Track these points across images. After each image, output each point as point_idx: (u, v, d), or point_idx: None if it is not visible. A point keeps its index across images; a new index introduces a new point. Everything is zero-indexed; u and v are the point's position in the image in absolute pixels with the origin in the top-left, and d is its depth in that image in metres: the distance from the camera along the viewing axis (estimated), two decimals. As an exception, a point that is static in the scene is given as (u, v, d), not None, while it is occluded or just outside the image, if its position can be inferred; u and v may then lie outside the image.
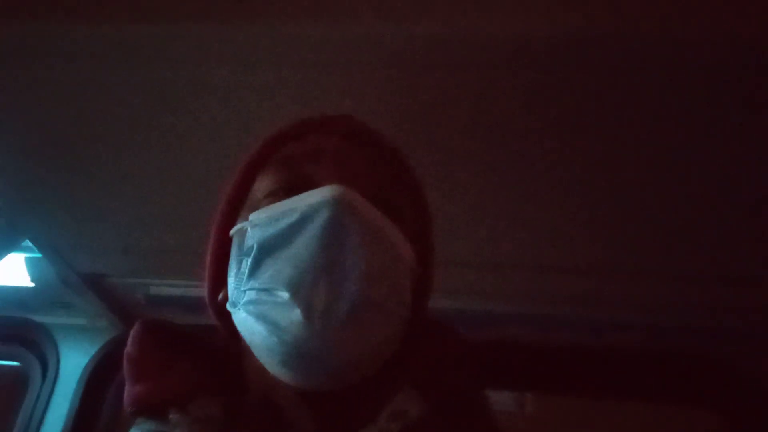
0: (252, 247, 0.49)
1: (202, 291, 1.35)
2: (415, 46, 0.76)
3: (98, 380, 1.49)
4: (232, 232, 0.54)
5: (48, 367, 1.52)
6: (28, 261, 1.32)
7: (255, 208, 0.53)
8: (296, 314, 0.44)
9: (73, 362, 1.51)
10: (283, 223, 0.48)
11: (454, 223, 1.04)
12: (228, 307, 0.52)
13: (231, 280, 0.52)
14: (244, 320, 0.49)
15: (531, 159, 0.92)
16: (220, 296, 0.55)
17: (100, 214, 1.14)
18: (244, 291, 0.49)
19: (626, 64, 0.76)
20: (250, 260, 0.49)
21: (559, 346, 1.38)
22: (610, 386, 1.43)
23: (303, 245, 0.46)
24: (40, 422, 1.44)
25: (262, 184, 0.55)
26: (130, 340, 0.58)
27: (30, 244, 1.23)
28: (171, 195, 1.06)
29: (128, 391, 0.54)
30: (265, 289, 0.47)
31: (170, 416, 0.50)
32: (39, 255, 1.27)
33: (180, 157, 0.98)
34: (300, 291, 0.44)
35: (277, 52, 0.79)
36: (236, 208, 0.57)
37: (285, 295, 0.45)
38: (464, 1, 0.71)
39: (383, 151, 0.59)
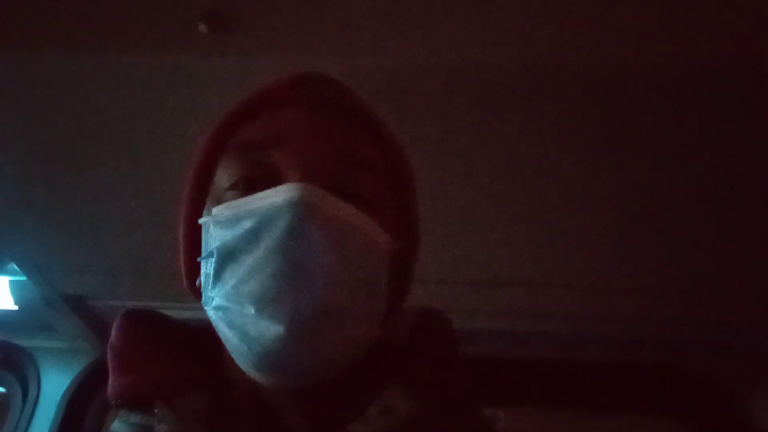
0: (213, 251, 0.47)
1: (183, 313, 1.36)
2: (401, 76, 0.79)
3: (78, 402, 1.50)
4: (200, 221, 0.52)
5: (29, 390, 1.53)
6: (12, 284, 1.34)
7: (219, 199, 0.51)
8: (264, 326, 0.43)
9: (54, 385, 1.52)
10: (243, 227, 0.46)
11: (427, 242, 1.07)
12: (202, 303, 0.51)
13: (202, 277, 0.51)
14: (216, 323, 0.48)
15: (511, 176, 0.95)
16: (197, 282, 0.53)
17: (84, 236, 1.16)
18: (212, 296, 0.48)
19: (622, 87, 0.80)
20: (213, 265, 0.47)
21: (530, 361, 1.41)
22: (582, 399, 1.46)
23: (264, 254, 0.44)
24: (21, 445, 1.44)
25: (224, 173, 0.52)
26: (114, 331, 0.55)
27: (14, 266, 1.25)
28: (155, 217, 1.07)
29: (112, 383, 0.53)
30: (231, 299, 0.46)
31: (156, 410, 0.49)
32: (23, 278, 1.29)
33: (165, 179, 0.99)
34: (265, 305, 0.44)
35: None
36: (202, 195, 0.54)
37: (251, 309, 0.44)
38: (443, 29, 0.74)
39: (356, 118, 0.55)
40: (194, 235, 0.53)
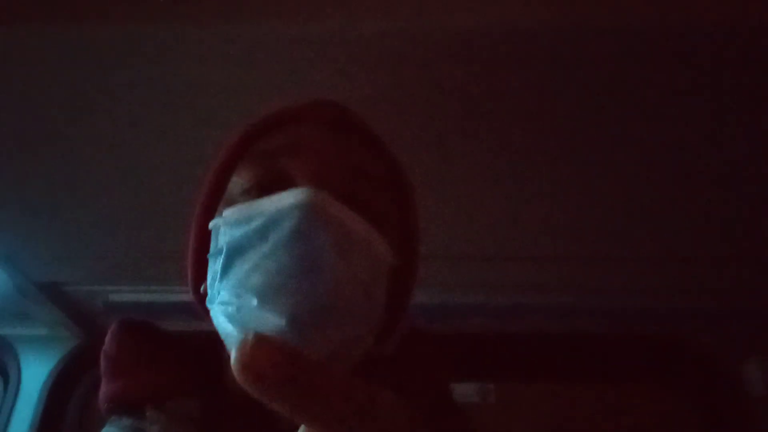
0: (223, 247, 0.49)
1: (162, 296, 1.33)
2: (410, 42, 0.76)
3: (60, 389, 1.48)
4: (210, 225, 0.54)
5: (9, 378, 1.50)
6: (-17, 272, 1.29)
7: (231, 204, 0.53)
8: (264, 319, 0.45)
9: (35, 373, 1.49)
10: (252, 226, 0.48)
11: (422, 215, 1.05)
12: (206, 303, 0.52)
13: (208, 276, 0.52)
14: (217, 318, 0.49)
15: (501, 151, 0.93)
16: (202, 289, 0.55)
17: (55, 221, 1.12)
18: (218, 290, 0.49)
19: (620, 56, 0.77)
20: (221, 260, 0.49)
21: (520, 335, 1.40)
22: (576, 370, 1.46)
23: (270, 251, 0.46)
24: (3, 433, 1.42)
25: (239, 179, 0.55)
26: (108, 338, 0.57)
27: (-16, 255, 1.20)
28: (128, 200, 1.05)
29: (104, 389, 0.54)
30: (235, 292, 0.47)
31: (147, 413, 0.50)
32: (-6, 265, 1.25)
33: (138, 160, 0.97)
34: (267, 297, 0.45)
35: (269, 51, 0.79)
36: (215, 200, 0.57)
37: (254, 300, 0.45)
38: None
39: (365, 139, 0.59)
40: (204, 241, 0.55)
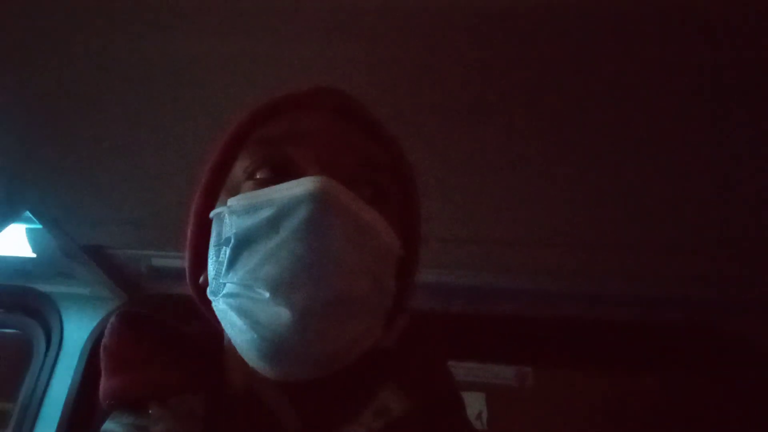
0: (230, 237, 0.48)
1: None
2: (413, 14, 0.74)
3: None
4: (211, 214, 0.52)
5: (51, 335, 1.53)
6: (29, 232, 1.32)
7: (235, 191, 0.51)
8: (276, 312, 0.43)
9: (77, 331, 1.52)
10: (262, 216, 0.46)
11: (447, 200, 1.03)
12: (208, 294, 0.51)
13: (210, 267, 0.51)
14: (224, 312, 0.48)
15: (520, 133, 0.90)
16: (201, 279, 0.54)
17: (100, 186, 1.13)
18: (224, 283, 0.48)
19: (622, 35, 0.75)
20: (228, 251, 0.48)
21: (559, 320, 1.38)
22: (612, 359, 1.43)
23: (282, 241, 0.45)
24: (45, 390, 1.45)
25: (242, 165, 0.53)
26: (107, 332, 0.56)
27: (30, 215, 1.22)
28: (171, 166, 1.05)
29: (105, 384, 0.53)
30: (244, 284, 0.46)
31: (150, 410, 0.49)
32: (40, 226, 1.27)
33: (181, 128, 0.97)
34: (280, 289, 0.44)
35: (275, 22, 0.77)
36: (216, 188, 0.55)
37: (265, 293, 0.44)
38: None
39: (368, 127, 0.57)
40: (204, 230, 0.53)
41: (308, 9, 0.75)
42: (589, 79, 0.81)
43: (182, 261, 0.57)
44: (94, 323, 1.52)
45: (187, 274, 0.56)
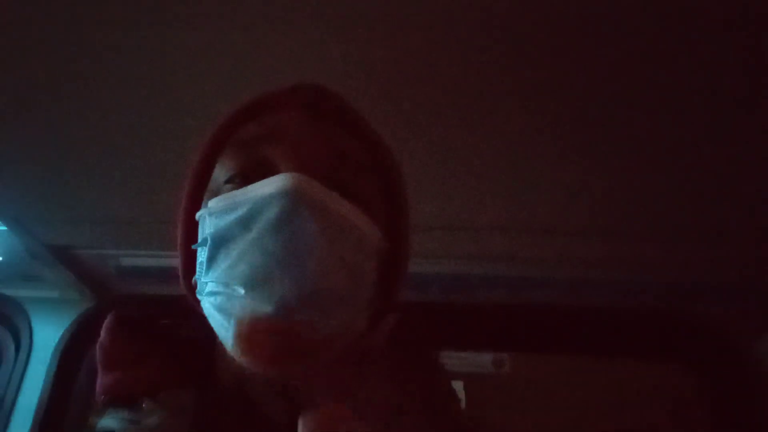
0: (207, 238, 0.49)
1: (174, 261, 1.32)
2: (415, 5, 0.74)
3: (73, 352, 1.48)
4: (197, 216, 0.53)
5: (21, 340, 1.50)
6: (-6, 234, 1.28)
7: (216, 193, 0.53)
8: (252, 307, 0.45)
9: (47, 335, 1.49)
10: (236, 215, 0.47)
11: (433, 186, 1.03)
12: (197, 294, 0.52)
13: (197, 268, 0.52)
14: (207, 310, 0.50)
15: (515, 121, 0.90)
16: (193, 281, 0.54)
17: (66, 185, 1.11)
18: (206, 282, 0.49)
19: (625, 22, 0.75)
20: (206, 252, 0.49)
21: (535, 307, 1.39)
22: (588, 344, 1.46)
23: (255, 239, 0.46)
24: (16, 396, 1.42)
25: (222, 168, 0.55)
26: (103, 331, 0.58)
27: (-5, 217, 1.19)
28: (141, 164, 1.04)
29: (100, 381, 0.55)
30: (222, 282, 0.47)
31: (144, 405, 0.51)
32: (4, 228, 1.24)
33: (149, 123, 0.95)
34: (254, 286, 0.45)
35: (268, 11, 0.76)
36: (200, 191, 0.56)
37: (241, 290, 0.45)
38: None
39: (349, 122, 0.57)
40: (192, 232, 0.54)
41: (305, 6, 0.75)
42: (581, 77, 0.82)
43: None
44: (64, 326, 1.49)
45: (180, 276, 0.57)
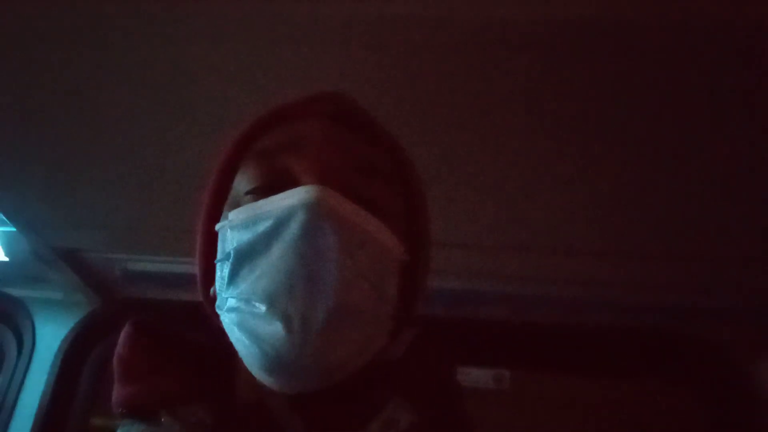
0: (230, 252, 0.48)
1: (180, 267, 1.33)
2: (416, 27, 0.75)
3: (75, 354, 1.48)
4: (217, 227, 0.53)
5: (24, 341, 1.50)
6: (2, 235, 1.29)
7: (236, 204, 0.52)
8: (274, 326, 0.44)
9: (50, 336, 1.49)
10: (259, 229, 0.47)
11: (437, 203, 1.03)
12: (216, 308, 0.51)
13: (216, 281, 0.51)
14: (228, 326, 0.49)
15: (520, 140, 0.91)
16: (212, 291, 0.54)
17: (75, 189, 1.11)
18: (226, 297, 0.48)
19: (626, 47, 0.76)
20: (228, 267, 0.48)
21: (537, 325, 1.39)
22: (587, 363, 1.45)
23: (278, 254, 0.45)
24: (17, 396, 1.43)
25: (242, 179, 0.53)
26: (121, 341, 0.57)
27: (3, 218, 1.20)
28: (148, 170, 1.04)
29: (118, 392, 0.54)
30: (244, 299, 0.46)
31: (163, 419, 0.50)
32: (13, 229, 1.25)
33: (158, 132, 0.96)
34: (277, 303, 0.44)
35: (282, 28, 0.77)
36: (220, 200, 0.55)
37: (262, 307, 0.45)
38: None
39: (367, 131, 0.57)
40: (211, 243, 0.53)
41: (314, 16, 0.75)
42: (596, 83, 0.82)
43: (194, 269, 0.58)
44: (67, 328, 1.50)
45: (199, 286, 0.56)
